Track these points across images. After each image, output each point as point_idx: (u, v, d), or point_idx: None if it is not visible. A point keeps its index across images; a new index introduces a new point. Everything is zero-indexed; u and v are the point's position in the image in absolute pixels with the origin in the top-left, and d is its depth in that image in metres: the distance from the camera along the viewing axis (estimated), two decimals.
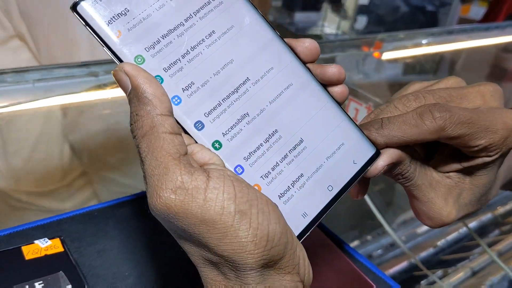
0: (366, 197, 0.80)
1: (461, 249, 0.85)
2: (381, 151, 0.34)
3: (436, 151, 0.38)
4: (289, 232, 0.28)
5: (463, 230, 0.88)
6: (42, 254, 0.40)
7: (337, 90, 0.33)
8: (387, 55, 1.26)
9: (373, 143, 0.34)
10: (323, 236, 0.50)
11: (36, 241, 0.41)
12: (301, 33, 2.43)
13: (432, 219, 0.37)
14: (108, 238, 0.44)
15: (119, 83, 0.28)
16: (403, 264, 0.79)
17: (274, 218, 0.27)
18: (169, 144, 0.26)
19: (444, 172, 0.37)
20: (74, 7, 0.27)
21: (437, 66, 1.45)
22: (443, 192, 0.37)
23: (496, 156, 0.35)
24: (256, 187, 0.29)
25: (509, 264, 0.76)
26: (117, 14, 0.28)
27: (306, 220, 0.30)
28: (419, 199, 0.37)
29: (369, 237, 0.84)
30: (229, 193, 0.26)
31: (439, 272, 0.75)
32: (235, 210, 0.25)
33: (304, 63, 0.32)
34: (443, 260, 0.83)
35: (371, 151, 0.33)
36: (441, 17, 2.67)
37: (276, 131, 0.30)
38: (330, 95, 0.33)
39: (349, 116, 0.33)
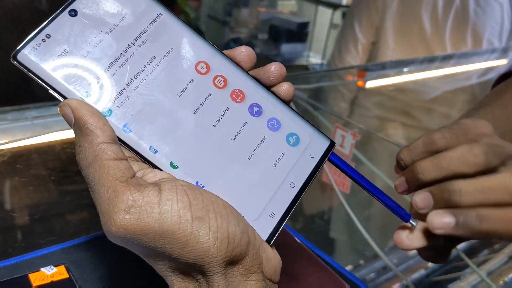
0: (357, 222, 0.82)
1: (451, 270, 0.87)
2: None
3: None
4: (251, 232, 0.29)
5: (453, 251, 0.90)
6: (49, 281, 0.42)
7: (283, 89, 0.34)
8: (370, 84, 1.30)
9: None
10: (303, 247, 0.53)
11: (42, 269, 0.43)
12: (287, 63, 2.49)
13: None
14: (109, 264, 0.46)
15: (64, 117, 0.28)
16: (396, 287, 0.80)
17: (232, 220, 0.27)
18: (114, 169, 0.26)
19: None
20: (14, 57, 0.28)
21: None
22: None
23: None
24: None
25: (498, 282, 0.77)
26: (57, 56, 0.29)
27: (275, 220, 0.31)
28: None
29: (361, 262, 0.86)
30: (184, 202, 0.26)
31: None
32: (192, 217, 0.26)
33: (246, 71, 0.33)
34: (435, 281, 0.84)
35: (325, 143, 0.34)
36: None
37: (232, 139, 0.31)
38: (278, 96, 0.34)
39: (298, 113, 0.34)
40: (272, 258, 0.30)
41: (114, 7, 0.31)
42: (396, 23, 1.40)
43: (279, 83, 0.34)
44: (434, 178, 0.36)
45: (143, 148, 0.29)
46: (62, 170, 0.78)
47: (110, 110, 0.29)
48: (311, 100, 1.00)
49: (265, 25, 2.65)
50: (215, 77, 0.32)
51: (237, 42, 2.62)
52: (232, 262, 0.27)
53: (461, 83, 1.51)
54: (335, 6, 2.69)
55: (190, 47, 0.32)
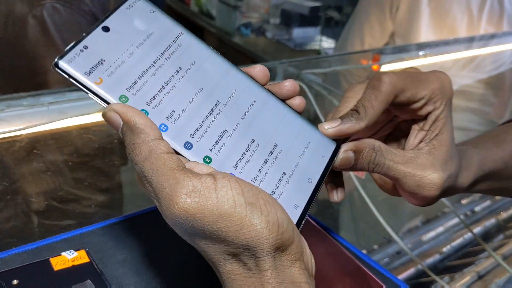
0: (372, 207, 0.81)
1: (466, 255, 0.87)
2: (341, 144, 0.39)
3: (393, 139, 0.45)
4: (292, 222, 0.31)
5: (468, 235, 0.89)
6: (70, 265, 0.42)
7: (295, 102, 0.38)
8: (385, 68, 1.28)
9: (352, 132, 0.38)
10: (334, 242, 0.52)
11: (63, 253, 0.43)
12: (299, 48, 2.47)
13: (426, 189, 0.39)
14: (128, 249, 0.47)
15: (110, 122, 0.31)
16: (410, 271, 0.80)
17: (279, 208, 0.30)
18: (170, 161, 0.29)
19: (412, 148, 0.40)
20: (56, 65, 0.31)
21: None
22: (421, 163, 0.39)
23: (442, 106, 0.39)
24: None
25: None
26: (95, 65, 0.32)
27: (298, 211, 0.35)
28: (403, 178, 0.39)
29: (375, 246, 0.86)
30: (237, 189, 0.29)
31: (446, 278, 0.76)
32: (245, 202, 0.29)
33: (261, 84, 0.38)
34: (449, 266, 0.84)
35: (333, 145, 0.39)
36: None
37: (253, 140, 0.35)
38: (289, 106, 0.38)
39: (308, 121, 0.39)
40: (307, 249, 0.31)
41: (142, 25, 0.35)
42: (427, 17, 1.38)
43: (293, 97, 0.38)
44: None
45: (179, 145, 0.32)
46: (79, 155, 0.79)
47: (146, 112, 0.32)
48: (326, 84, 1.00)
49: (277, 9, 2.62)
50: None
51: (248, 27, 2.59)
52: (280, 247, 0.29)
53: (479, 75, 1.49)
54: None
55: (209, 61, 0.36)
